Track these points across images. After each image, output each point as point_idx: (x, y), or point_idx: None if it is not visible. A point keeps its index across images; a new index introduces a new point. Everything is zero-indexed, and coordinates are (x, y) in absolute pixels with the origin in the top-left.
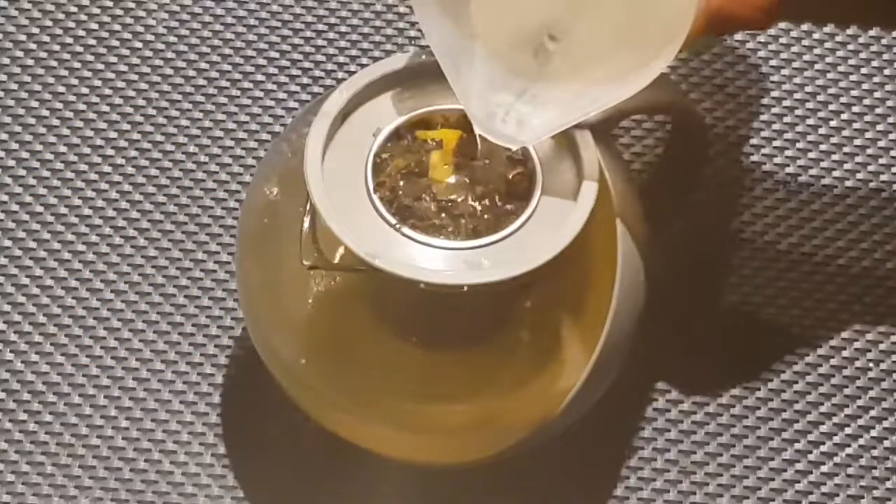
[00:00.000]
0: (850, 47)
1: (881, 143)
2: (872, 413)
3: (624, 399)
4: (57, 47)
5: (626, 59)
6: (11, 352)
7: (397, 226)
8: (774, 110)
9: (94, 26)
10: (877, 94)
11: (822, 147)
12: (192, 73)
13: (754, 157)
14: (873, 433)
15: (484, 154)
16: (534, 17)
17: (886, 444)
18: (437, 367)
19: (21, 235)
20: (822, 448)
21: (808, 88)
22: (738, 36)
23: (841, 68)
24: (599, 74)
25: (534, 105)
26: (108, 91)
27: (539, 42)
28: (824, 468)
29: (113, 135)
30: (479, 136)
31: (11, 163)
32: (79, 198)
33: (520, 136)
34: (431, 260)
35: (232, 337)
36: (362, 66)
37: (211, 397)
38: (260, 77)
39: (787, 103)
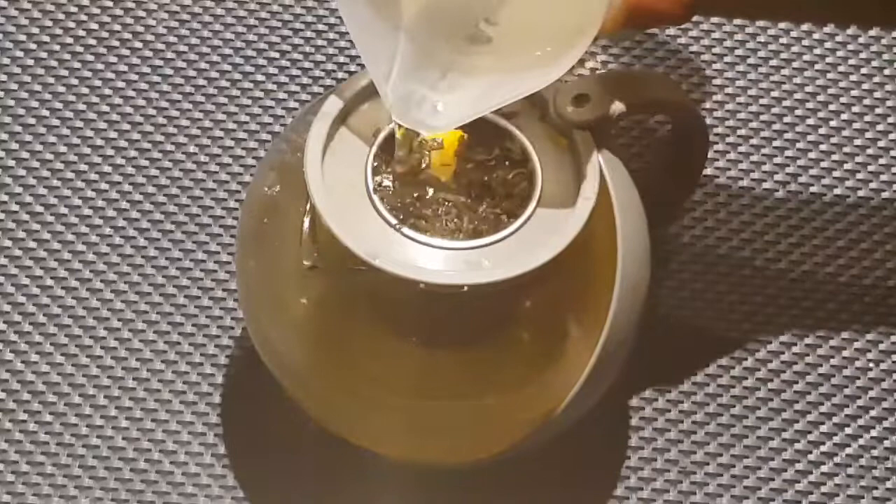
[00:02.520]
0: (850, 47)
1: (881, 143)
2: (872, 413)
3: (624, 399)
4: (57, 47)
5: (546, 49)
6: (11, 352)
7: (397, 226)
8: (774, 110)
9: (94, 26)
10: (877, 94)
11: (822, 147)
12: (192, 73)
13: (754, 157)
14: (873, 433)
15: (399, 145)
16: (461, 4)
17: (886, 444)
18: (438, 367)
19: (21, 235)
20: (822, 448)
21: (809, 88)
22: (739, 36)
23: (841, 68)
24: (521, 63)
25: (450, 92)
26: (108, 91)
27: (474, 27)
28: (824, 468)
29: (113, 135)
30: (396, 125)
31: (11, 163)
32: (79, 198)
33: (433, 122)
34: (431, 260)
35: (232, 337)
36: (362, 66)
37: (211, 397)
38: (260, 77)
39: (787, 103)
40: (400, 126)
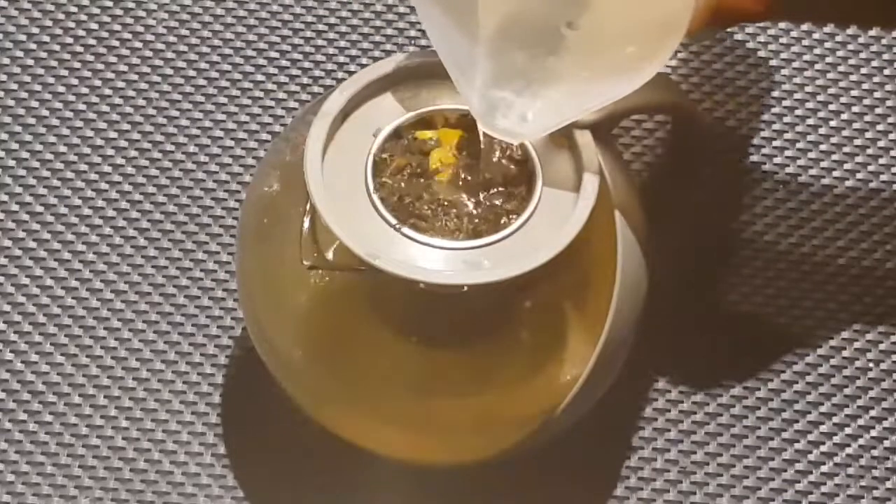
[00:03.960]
0: (850, 47)
1: (881, 143)
2: (872, 413)
3: (624, 399)
4: (57, 47)
5: (630, 53)
6: (11, 352)
7: (397, 226)
8: (774, 110)
9: (94, 26)
10: (877, 94)
11: (822, 147)
12: (192, 73)
13: (754, 157)
14: (873, 433)
15: (485, 153)
16: (542, 11)
17: (886, 444)
18: (438, 366)
19: (21, 235)
20: (822, 448)
21: (808, 88)
22: (739, 36)
23: (841, 68)
24: (604, 68)
25: (536, 100)
26: (108, 91)
27: (555, 32)
28: (824, 468)
29: (113, 135)
30: (482, 131)
31: (11, 163)
32: (79, 198)
33: (521, 131)
34: (431, 260)
35: (232, 337)
36: (362, 66)
37: (211, 397)
38: (260, 77)
39: (787, 103)
40: (485, 135)
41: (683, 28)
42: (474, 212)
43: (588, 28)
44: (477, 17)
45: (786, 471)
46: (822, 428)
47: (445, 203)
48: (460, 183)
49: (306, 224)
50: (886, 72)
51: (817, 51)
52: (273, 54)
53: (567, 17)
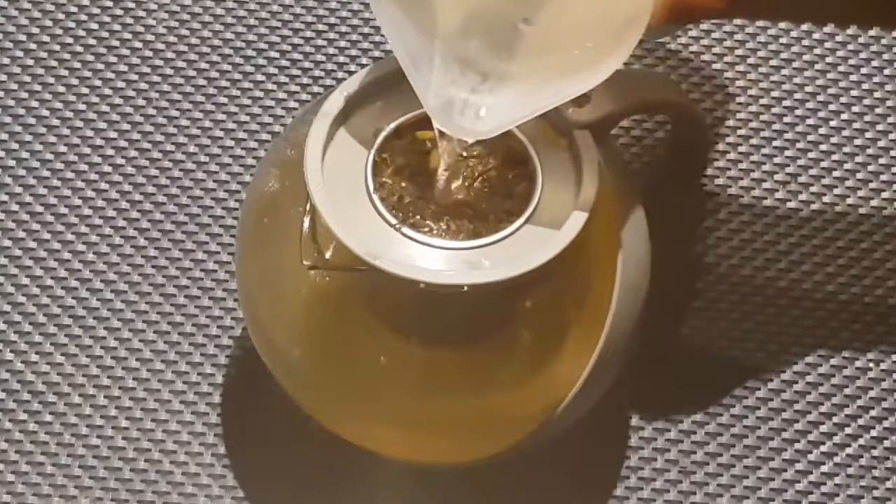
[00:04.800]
0: (850, 47)
1: (881, 143)
2: (872, 413)
3: (624, 399)
4: (57, 47)
5: (587, 49)
6: (11, 352)
7: (397, 226)
8: (774, 110)
9: (94, 26)
10: (877, 94)
11: (822, 147)
12: (192, 73)
13: (754, 157)
14: (873, 433)
15: (442, 150)
16: (498, 8)
17: (886, 444)
18: (438, 366)
19: (21, 235)
20: (822, 448)
21: (808, 88)
22: (739, 36)
23: (841, 68)
24: (561, 65)
25: (492, 97)
26: (108, 91)
27: (511, 28)
28: (824, 468)
29: (113, 135)
30: (438, 131)
31: (11, 163)
32: (79, 198)
33: (476, 129)
34: (431, 260)
35: (232, 337)
36: (362, 66)
37: (211, 397)
38: (260, 77)
39: (787, 103)
40: (442, 134)
41: (643, 24)
42: (474, 212)
43: (545, 24)
44: (433, 13)
45: (786, 471)
46: (822, 428)
47: (445, 203)
48: (460, 183)
49: (306, 224)
50: (886, 72)
51: (817, 51)
52: (273, 54)
53: (523, 13)
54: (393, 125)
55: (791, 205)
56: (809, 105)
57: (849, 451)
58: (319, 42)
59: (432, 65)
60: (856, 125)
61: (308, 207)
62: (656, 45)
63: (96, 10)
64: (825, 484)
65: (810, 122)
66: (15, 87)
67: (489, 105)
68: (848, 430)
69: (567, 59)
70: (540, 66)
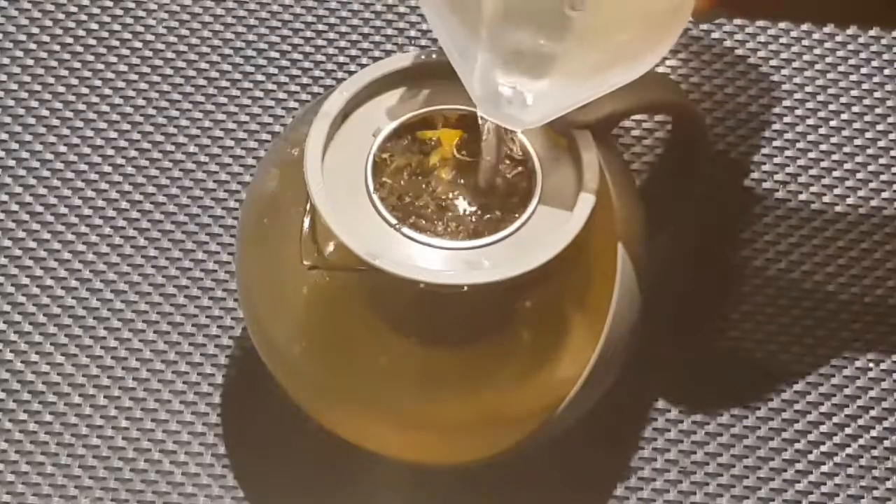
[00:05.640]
0: (850, 47)
1: (881, 143)
2: (872, 413)
3: (624, 399)
4: (57, 47)
5: (634, 36)
6: (11, 352)
7: (397, 226)
8: (774, 110)
9: (94, 26)
10: (877, 94)
11: (822, 147)
12: (192, 73)
13: (754, 158)
14: (873, 433)
15: (485, 147)
16: None
17: (886, 444)
18: (437, 366)
19: (21, 235)
20: (822, 448)
21: (808, 88)
22: (739, 36)
23: (841, 68)
24: (607, 51)
25: (538, 86)
26: (108, 91)
27: (558, 13)
28: (824, 468)
29: (113, 135)
30: (481, 119)
31: (11, 163)
32: (79, 198)
33: (521, 117)
34: (431, 260)
35: (232, 337)
36: (362, 66)
37: (211, 397)
38: (260, 77)
39: (787, 103)
40: (485, 122)
41: (688, 10)
42: (474, 212)
43: (593, 9)
44: (479, 1)
45: (786, 471)
46: (822, 428)
47: (445, 203)
48: (460, 183)
49: (306, 224)
50: (886, 72)
51: (817, 51)
52: (273, 54)
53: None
54: (393, 125)
55: (791, 205)
56: (809, 105)
57: (849, 451)
58: (319, 42)
59: (478, 53)
60: (856, 125)
61: (308, 207)
62: None
63: (96, 10)
64: (825, 484)
65: (810, 122)
66: (15, 87)
67: (537, 93)
68: (848, 430)
69: (615, 46)
70: (588, 53)
